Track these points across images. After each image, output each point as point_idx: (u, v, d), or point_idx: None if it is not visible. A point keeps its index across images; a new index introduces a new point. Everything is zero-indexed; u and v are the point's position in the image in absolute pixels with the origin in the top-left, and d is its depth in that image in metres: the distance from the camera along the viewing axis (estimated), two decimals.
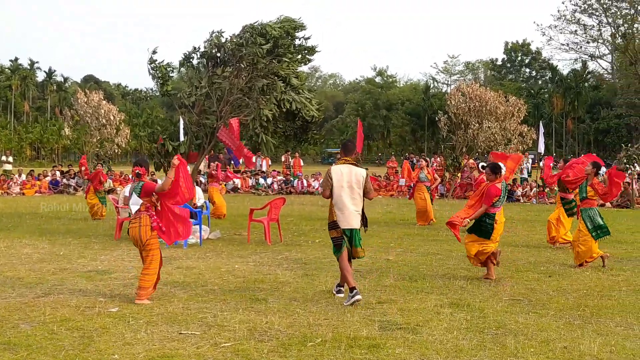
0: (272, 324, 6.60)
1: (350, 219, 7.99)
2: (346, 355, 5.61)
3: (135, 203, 7.75)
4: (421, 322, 6.70)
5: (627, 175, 23.13)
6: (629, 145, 24.96)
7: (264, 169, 33.57)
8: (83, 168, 18.91)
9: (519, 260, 10.95)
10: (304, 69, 14.31)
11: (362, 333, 6.25)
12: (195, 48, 14.05)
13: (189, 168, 14.65)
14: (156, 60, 14.31)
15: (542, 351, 5.78)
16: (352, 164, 8.17)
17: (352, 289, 7.69)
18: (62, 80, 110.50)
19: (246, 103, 13.34)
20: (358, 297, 7.57)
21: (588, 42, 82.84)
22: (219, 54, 13.71)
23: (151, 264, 7.69)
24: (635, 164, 23.57)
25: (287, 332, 6.32)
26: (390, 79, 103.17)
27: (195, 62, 14.35)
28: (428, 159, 20.14)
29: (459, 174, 28.32)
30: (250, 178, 30.98)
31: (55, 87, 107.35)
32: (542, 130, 29.64)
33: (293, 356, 5.60)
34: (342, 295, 8.06)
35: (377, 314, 7.05)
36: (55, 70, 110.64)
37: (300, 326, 6.53)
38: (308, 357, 5.56)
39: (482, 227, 9.23)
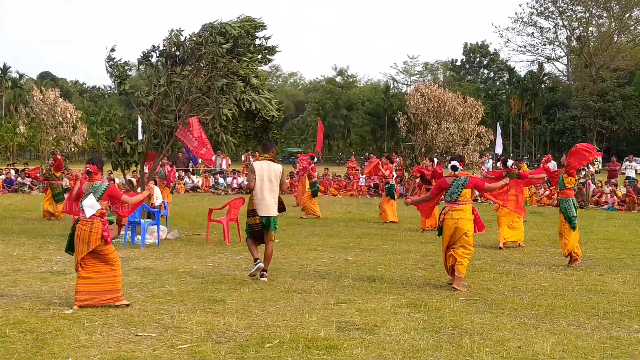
0: (230, 325, 6.58)
1: (268, 208, 9.18)
2: (304, 357, 5.62)
3: (91, 206, 7.34)
4: (379, 323, 6.75)
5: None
6: None
7: (224, 167, 33.34)
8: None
9: (475, 260, 11.03)
10: (264, 68, 14.26)
11: (320, 334, 6.27)
12: (154, 46, 13.88)
13: (146, 169, 14.58)
14: (114, 58, 14.12)
15: (497, 350, 5.87)
16: (270, 160, 9.47)
17: (256, 259, 9.17)
18: (18, 76, 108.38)
19: (205, 102, 13.24)
20: (260, 264, 9.10)
21: (544, 45, 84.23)
22: (178, 53, 13.57)
23: (115, 263, 7.46)
24: (589, 165, 24.05)
25: (245, 333, 6.31)
26: (351, 79, 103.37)
27: (154, 60, 14.19)
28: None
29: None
30: (211, 177, 30.79)
31: (10, 83, 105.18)
32: (499, 131, 30.07)
33: (250, 358, 5.59)
34: (265, 279, 9.06)
35: (335, 315, 7.07)
36: (10, 67, 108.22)
37: (258, 327, 6.52)
38: (266, 359, 5.56)
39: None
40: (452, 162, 9.13)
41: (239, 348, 5.82)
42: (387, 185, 17.75)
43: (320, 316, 7.00)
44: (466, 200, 8.94)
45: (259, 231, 9.27)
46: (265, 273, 9.16)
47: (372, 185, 30.00)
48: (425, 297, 8.06)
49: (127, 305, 7.31)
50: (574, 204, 11.05)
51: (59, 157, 18.05)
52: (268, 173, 9.23)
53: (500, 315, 7.19)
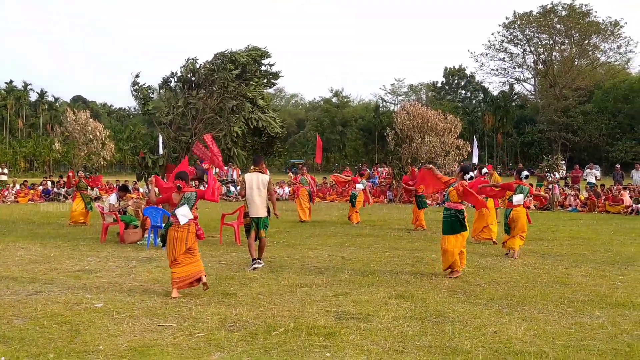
0: (241, 315, 6.56)
1: (257, 210, 9.89)
2: (306, 343, 5.61)
3: (185, 215, 7.78)
4: (372, 312, 6.73)
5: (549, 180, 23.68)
6: (549, 156, 25.55)
7: (235, 177, 33.29)
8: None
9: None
10: (269, 90, 14.30)
11: (320, 322, 6.26)
12: (172, 73, 13.96)
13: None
14: (138, 83, 14.17)
15: (475, 335, 5.86)
16: (258, 172, 10.16)
17: (253, 259, 9.78)
18: (53, 100, 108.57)
19: (218, 121, 13.26)
20: (257, 265, 9.70)
21: (514, 68, 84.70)
22: (193, 78, 13.63)
23: (196, 251, 7.91)
24: (555, 172, 24.07)
25: (254, 322, 6.29)
26: (345, 99, 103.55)
27: (172, 85, 14.22)
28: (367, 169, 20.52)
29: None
30: (222, 186, 30.75)
31: (46, 106, 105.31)
32: (475, 143, 30.01)
33: (259, 344, 5.57)
34: (260, 264, 9.79)
35: (334, 306, 7.06)
36: (47, 92, 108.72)
37: (266, 317, 6.50)
38: (272, 345, 5.55)
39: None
40: (469, 173, 9.58)
41: (249, 335, 5.80)
42: (417, 197, 16.32)
43: (320, 307, 6.98)
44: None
45: (253, 229, 9.94)
46: (259, 260, 9.92)
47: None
48: (412, 289, 8.04)
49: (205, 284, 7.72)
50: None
51: (73, 174, 17.98)
52: (257, 182, 9.95)
53: (478, 305, 7.17)
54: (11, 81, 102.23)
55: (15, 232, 15.06)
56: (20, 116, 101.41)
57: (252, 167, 10.44)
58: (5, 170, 40.02)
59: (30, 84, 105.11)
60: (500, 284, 8.55)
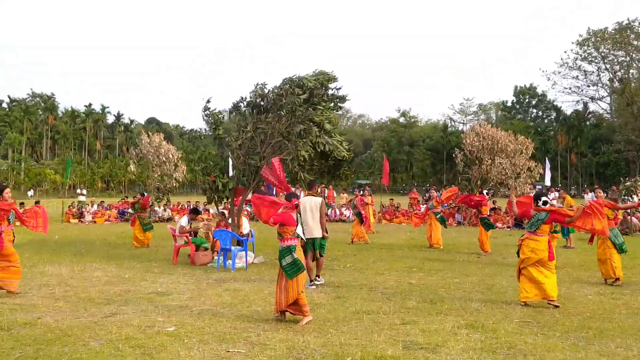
0: (308, 343, 6.56)
1: (312, 231, 10.52)
2: None
3: (301, 231, 8.30)
4: (440, 342, 6.60)
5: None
6: (627, 178, 24.54)
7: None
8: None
9: None
10: (336, 113, 14.37)
11: (388, 352, 6.18)
12: (242, 98, 14.24)
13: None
14: (209, 108, 14.55)
15: None
16: (312, 195, 10.98)
17: (311, 280, 10.43)
18: (129, 122, 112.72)
19: (285, 145, 13.41)
20: (312, 287, 10.25)
21: (588, 86, 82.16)
22: (262, 103, 13.85)
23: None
24: (633, 195, 23.08)
25: (321, 350, 6.27)
26: (413, 119, 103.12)
27: (242, 109, 14.50)
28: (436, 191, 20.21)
29: None
30: None
31: (122, 128, 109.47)
32: (548, 165, 29.24)
33: None
34: (313, 287, 10.31)
35: (401, 335, 6.96)
36: (123, 114, 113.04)
37: (333, 345, 6.48)
38: None
39: None
40: (542, 198, 9.17)
41: None
42: (482, 219, 15.99)
43: (387, 336, 6.91)
44: (543, 233, 8.92)
45: (309, 250, 10.60)
46: (318, 277, 10.78)
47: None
48: (482, 319, 7.84)
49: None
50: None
51: (142, 196, 18.32)
52: (310, 205, 10.70)
53: (552, 337, 6.92)
54: (90, 104, 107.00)
55: (92, 252, 15.65)
56: (98, 138, 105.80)
57: (307, 192, 11.42)
58: (84, 191, 41.81)
59: (107, 107, 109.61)
60: (575, 314, 8.23)
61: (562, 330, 7.25)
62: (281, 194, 16.24)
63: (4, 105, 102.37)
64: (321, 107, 13.52)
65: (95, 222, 28.63)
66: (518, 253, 9.21)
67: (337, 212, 30.37)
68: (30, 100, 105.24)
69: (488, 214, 16.04)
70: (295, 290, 7.64)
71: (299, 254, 7.85)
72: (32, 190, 52.37)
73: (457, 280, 11.22)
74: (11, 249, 9.65)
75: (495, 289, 10.32)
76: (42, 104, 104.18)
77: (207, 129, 15.92)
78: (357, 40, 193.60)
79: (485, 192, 16.97)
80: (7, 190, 9.58)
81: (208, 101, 14.56)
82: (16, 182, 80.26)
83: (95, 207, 31.02)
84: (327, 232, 10.91)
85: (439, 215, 17.50)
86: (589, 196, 28.38)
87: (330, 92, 13.87)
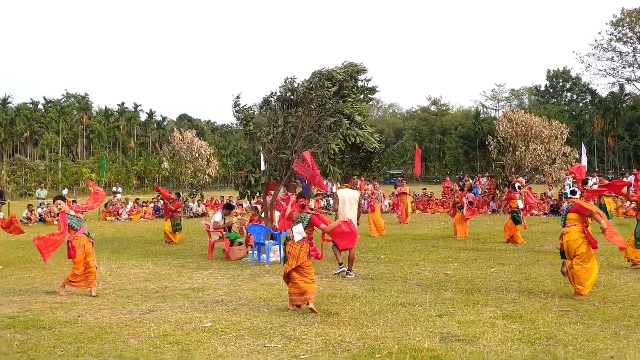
0: (344, 336, 6.55)
1: None
2: None
3: (299, 232, 8.15)
4: (478, 334, 6.53)
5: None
6: None
7: (335, 191, 33.49)
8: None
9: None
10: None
11: (425, 345, 6.14)
12: (272, 92, 14.29)
13: (268, 198, 14.88)
14: (239, 104, 14.62)
15: None
16: (349, 187, 11.42)
17: (340, 263, 10.73)
18: (161, 119, 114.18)
19: (316, 139, 13.40)
20: (343, 268, 10.63)
21: (624, 67, 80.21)
22: (292, 97, 13.86)
23: (306, 274, 8.07)
24: None
25: (358, 344, 6.26)
26: (444, 107, 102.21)
27: (272, 104, 14.53)
28: (456, 185, 19.87)
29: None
30: (322, 200, 31.08)
31: (155, 125, 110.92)
32: (584, 150, 28.63)
33: None
34: (350, 275, 10.57)
35: (438, 327, 6.91)
36: (155, 111, 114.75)
37: (369, 338, 6.46)
38: None
39: None
40: (572, 189, 9.12)
41: (352, 358, 5.77)
42: (512, 212, 15.89)
43: (424, 328, 6.86)
44: (572, 223, 8.64)
45: None
46: (350, 271, 10.68)
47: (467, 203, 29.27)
48: (520, 309, 7.74)
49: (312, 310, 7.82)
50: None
51: (178, 197, 18.38)
52: (349, 198, 11.04)
53: (593, 326, 6.79)
54: (123, 103, 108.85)
55: (129, 249, 15.90)
56: (132, 136, 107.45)
57: (343, 184, 11.68)
58: (120, 189, 42.47)
59: (140, 105, 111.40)
60: (616, 302, 8.06)
61: (602, 319, 7.11)
62: (314, 187, 16.25)
63: (40, 106, 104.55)
64: (351, 99, 13.48)
65: (131, 219, 29.07)
66: (562, 254, 8.86)
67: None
68: (64, 100, 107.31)
69: (518, 207, 15.85)
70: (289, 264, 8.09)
71: (288, 249, 8.18)
72: (66, 190, 53.45)
73: (493, 270, 11.10)
74: (80, 256, 9.37)
75: (533, 278, 10.18)
76: (77, 104, 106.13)
77: (238, 125, 15.99)
78: (386, 29, 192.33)
79: (517, 185, 16.71)
80: (58, 201, 9.43)
81: (238, 97, 14.63)
82: (54, 182, 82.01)
83: (130, 204, 31.47)
84: (359, 222, 11.21)
85: (459, 206, 17.46)
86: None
87: (359, 83, 13.82)
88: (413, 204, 29.63)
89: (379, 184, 23.19)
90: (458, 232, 17.18)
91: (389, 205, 30.83)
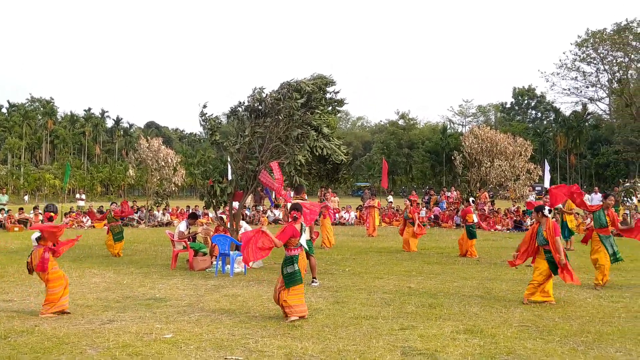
0: (306, 349, 6.52)
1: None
2: None
3: (304, 240, 8.60)
4: (439, 348, 6.56)
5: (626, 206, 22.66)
6: (626, 179, 24.55)
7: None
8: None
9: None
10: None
11: (386, 358, 6.14)
12: (240, 102, 14.22)
13: (236, 205, 14.78)
14: (206, 113, 14.51)
15: None
16: (301, 199, 11.24)
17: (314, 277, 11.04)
18: (128, 126, 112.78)
19: (283, 150, 13.38)
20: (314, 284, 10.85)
21: (587, 87, 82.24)
22: (260, 107, 13.81)
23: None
24: (632, 197, 23.05)
25: (319, 357, 6.24)
26: (412, 121, 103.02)
27: (240, 114, 14.47)
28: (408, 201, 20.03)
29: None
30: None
31: (122, 132, 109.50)
32: (547, 167, 29.13)
33: None
34: (315, 284, 10.93)
35: (400, 340, 6.92)
36: (122, 118, 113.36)
37: (331, 352, 6.43)
38: None
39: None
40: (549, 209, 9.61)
41: None
42: (467, 227, 16.12)
43: (386, 341, 6.86)
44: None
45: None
46: (315, 279, 11.06)
47: (433, 217, 29.56)
48: (481, 324, 7.81)
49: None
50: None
51: (123, 205, 17.78)
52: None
53: (551, 342, 6.88)
54: (89, 109, 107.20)
55: (91, 258, 15.61)
56: (97, 142, 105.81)
57: (294, 196, 11.71)
58: (83, 196, 41.76)
59: (107, 111, 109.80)
60: (575, 318, 8.19)
61: (561, 335, 7.21)
62: (279, 197, 16.19)
63: (3, 110, 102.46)
64: (319, 111, 13.52)
65: (94, 226, 28.55)
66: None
67: (337, 216, 30.29)
68: (29, 105, 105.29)
69: (474, 221, 16.14)
70: (282, 298, 8.10)
71: (301, 264, 8.27)
72: (27, 196, 52.11)
73: (456, 284, 11.19)
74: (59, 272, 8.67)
75: (495, 292, 10.29)
76: (41, 109, 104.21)
77: (205, 134, 15.89)
78: (356, 43, 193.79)
79: (471, 199, 17.00)
80: (47, 213, 8.95)
81: (204, 106, 14.52)
82: (15, 187, 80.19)
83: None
84: (313, 236, 11.36)
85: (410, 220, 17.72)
86: (585, 197, 28.36)
87: (328, 95, 13.86)
88: (379, 217, 29.76)
89: (334, 193, 23.16)
90: (411, 246, 17.37)
91: (356, 217, 30.91)
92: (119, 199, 63.56)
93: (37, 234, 8.79)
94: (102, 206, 34.68)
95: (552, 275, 9.28)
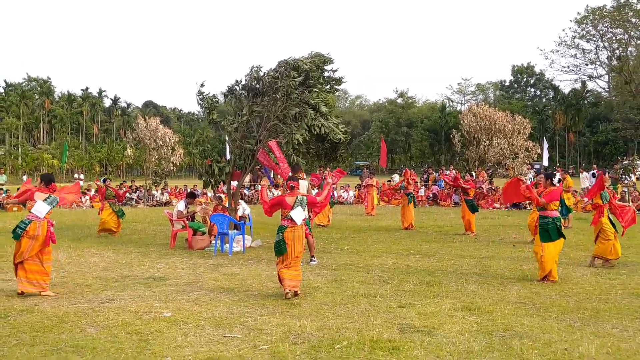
0: (305, 327, 6.56)
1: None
2: (369, 357, 5.54)
3: (300, 215, 8.37)
4: (436, 325, 6.61)
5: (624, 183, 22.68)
6: (624, 157, 24.58)
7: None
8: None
9: (525, 264, 10.75)
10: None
11: (384, 336, 6.19)
12: (237, 81, 14.15)
13: (234, 183, 14.79)
14: (203, 92, 14.45)
15: (544, 352, 5.65)
16: (299, 178, 11.03)
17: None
18: (126, 105, 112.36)
19: (281, 129, 13.34)
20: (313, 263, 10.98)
21: (586, 64, 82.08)
22: (258, 86, 13.75)
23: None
24: (630, 174, 23.07)
25: (318, 334, 6.28)
26: (410, 100, 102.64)
27: (237, 93, 14.41)
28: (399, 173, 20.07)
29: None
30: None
31: (120, 112, 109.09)
32: (546, 145, 29.17)
33: (323, 358, 5.54)
34: (314, 262, 11.05)
35: (398, 318, 6.97)
36: (120, 97, 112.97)
37: (329, 329, 6.48)
38: (336, 359, 5.52)
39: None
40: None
41: (312, 349, 5.79)
42: (467, 201, 16.13)
43: (384, 319, 6.91)
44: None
45: None
46: (313, 257, 11.20)
47: (431, 195, 29.60)
48: (478, 301, 7.85)
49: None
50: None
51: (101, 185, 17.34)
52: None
53: (548, 319, 6.93)
54: (87, 88, 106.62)
55: (90, 237, 15.65)
56: (95, 122, 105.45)
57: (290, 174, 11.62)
58: (82, 176, 41.77)
59: (105, 90, 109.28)
60: (572, 295, 8.24)
61: (558, 312, 7.26)
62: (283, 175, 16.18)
63: (0, 89, 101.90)
64: (317, 90, 13.46)
65: (93, 206, 28.58)
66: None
67: (335, 195, 30.31)
68: (26, 84, 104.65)
69: (473, 196, 16.27)
70: (277, 268, 8.31)
71: (290, 236, 8.25)
72: (25, 175, 52.17)
73: (453, 262, 11.24)
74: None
75: (492, 270, 10.34)
76: (39, 88, 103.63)
77: (202, 113, 15.84)
78: (355, 20, 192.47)
79: (471, 173, 17.10)
80: (52, 184, 8.88)
81: (202, 85, 14.45)
82: (14, 167, 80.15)
83: (92, 191, 30.94)
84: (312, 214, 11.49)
85: (410, 195, 17.68)
86: (583, 175, 28.42)
87: (326, 74, 13.80)
88: (377, 195, 29.79)
89: (330, 172, 23.07)
90: (405, 222, 17.46)
91: (354, 196, 30.95)
92: (117, 179, 63.52)
93: (47, 208, 8.58)
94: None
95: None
